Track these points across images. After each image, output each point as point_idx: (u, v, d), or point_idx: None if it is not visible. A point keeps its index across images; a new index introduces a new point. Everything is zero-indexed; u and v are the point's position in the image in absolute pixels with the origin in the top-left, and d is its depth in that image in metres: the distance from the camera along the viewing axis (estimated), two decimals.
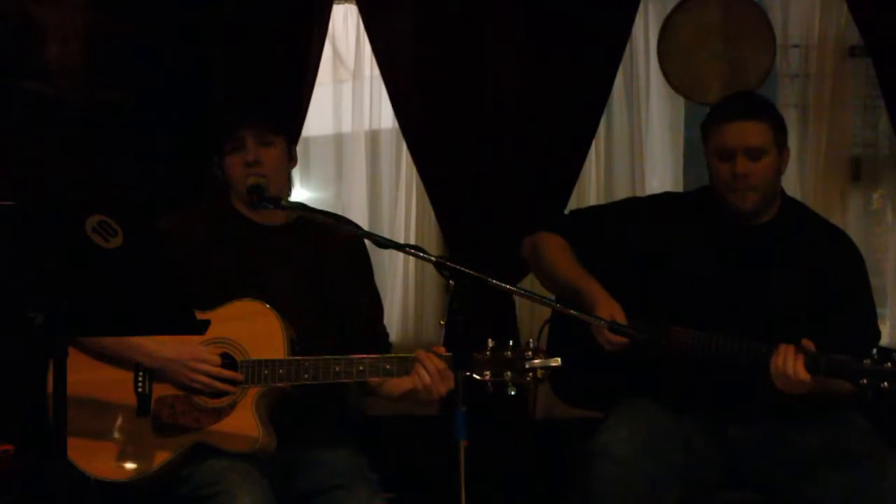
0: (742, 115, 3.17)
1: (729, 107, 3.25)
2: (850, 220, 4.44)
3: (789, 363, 2.94)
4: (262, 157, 3.16)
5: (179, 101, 4.29)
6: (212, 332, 2.97)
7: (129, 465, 3.00)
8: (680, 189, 4.51)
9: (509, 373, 2.86)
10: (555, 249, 3.40)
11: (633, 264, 3.30)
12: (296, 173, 3.37)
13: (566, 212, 4.11)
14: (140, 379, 3.04)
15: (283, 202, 3.08)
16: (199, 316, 2.97)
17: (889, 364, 2.85)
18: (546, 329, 3.40)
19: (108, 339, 3.02)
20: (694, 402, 3.16)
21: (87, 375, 3.01)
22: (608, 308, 3.11)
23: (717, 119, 3.21)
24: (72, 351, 2.78)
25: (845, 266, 3.22)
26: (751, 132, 3.15)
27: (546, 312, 3.48)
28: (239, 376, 3.01)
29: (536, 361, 2.87)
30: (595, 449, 3.09)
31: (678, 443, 3.18)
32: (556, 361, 2.87)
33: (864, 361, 2.87)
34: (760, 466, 3.18)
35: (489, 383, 2.87)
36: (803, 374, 2.93)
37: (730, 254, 3.23)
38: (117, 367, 3.05)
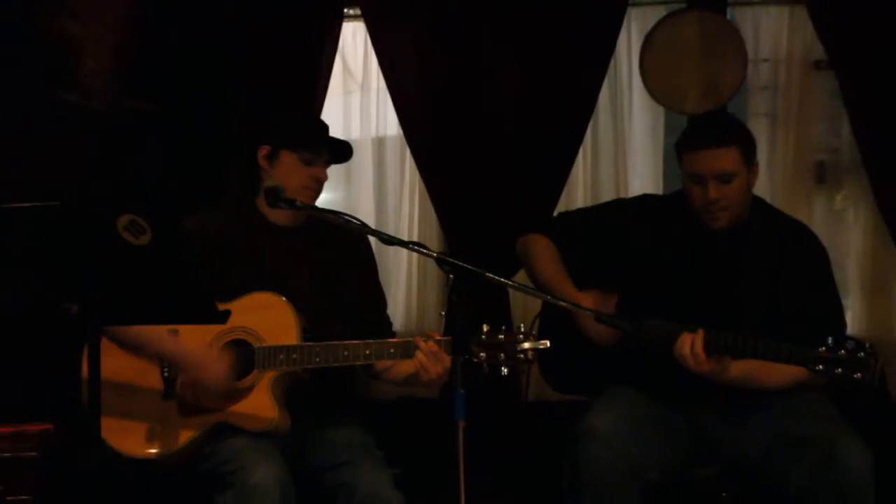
0: (712, 142, 3.11)
1: (699, 133, 3.21)
2: (816, 219, 4.44)
3: (686, 344, 2.91)
4: (325, 178, 3.23)
5: (200, 111, 4.30)
6: (231, 322, 3.02)
7: (157, 444, 3.02)
8: (660, 190, 4.52)
9: (502, 354, 2.86)
10: (539, 250, 3.41)
11: (615, 262, 3.30)
12: None
13: (555, 213, 4.13)
14: (166, 365, 3.05)
15: (298, 203, 3.09)
16: (220, 307, 3.00)
17: (843, 351, 2.79)
18: (537, 322, 3.41)
19: (135, 336, 3.03)
20: (670, 388, 3.16)
21: (118, 361, 3.02)
22: (583, 302, 3.13)
23: (689, 145, 3.17)
24: (104, 340, 2.79)
25: (811, 261, 3.21)
26: (721, 159, 3.10)
27: (538, 306, 3.50)
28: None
29: (527, 344, 2.87)
30: (581, 431, 3.09)
31: (657, 425, 3.18)
32: (545, 343, 2.87)
33: (820, 349, 2.81)
34: (731, 446, 3.18)
35: (484, 364, 2.87)
36: (701, 354, 2.89)
37: (702, 253, 3.22)
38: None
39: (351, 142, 3.36)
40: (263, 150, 3.23)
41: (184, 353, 3.01)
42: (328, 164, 3.26)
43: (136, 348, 3.03)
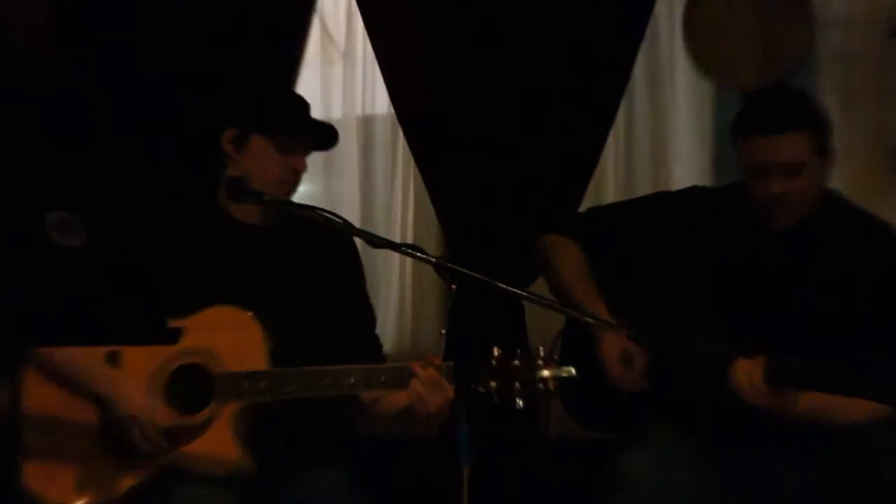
0: (775, 127, 3.10)
1: (760, 115, 3.19)
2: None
3: (742, 372, 2.90)
4: (304, 169, 3.23)
5: (150, 86, 4.29)
6: (185, 342, 3.01)
7: (90, 492, 2.99)
8: (708, 181, 4.51)
9: (517, 383, 2.84)
10: (562, 255, 3.40)
11: (656, 271, 3.29)
12: None
13: (581, 210, 4.11)
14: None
15: (267, 196, 3.08)
16: (172, 323, 3.00)
17: None
18: (560, 343, 3.39)
19: (62, 361, 3.00)
20: (722, 425, 3.15)
21: (42, 389, 2.99)
22: (611, 341, 3.12)
23: (747, 130, 3.15)
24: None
25: (891, 269, 3.19)
26: (786, 147, 3.09)
27: (560, 323, 3.47)
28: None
29: (547, 371, 2.85)
30: (614, 477, 3.09)
31: (705, 469, 3.17)
32: (569, 370, 2.86)
33: None
34: (799, 495, 3.16)
35: (494, 395, 2.85)
36: (760, 384, 2.88)
37: (762, 258, 3.21)
38: None
39: (332, 122, 3.36)
40: (229, 134, 3.22)
41: (116, 395, 2.99)
42: (308, 152, 3.25)
43: (61, 377, 3.01)
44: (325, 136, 3.30)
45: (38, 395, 2.93)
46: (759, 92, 4.18)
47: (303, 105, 3.32)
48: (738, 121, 3.24)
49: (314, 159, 4.68)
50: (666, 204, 3.44)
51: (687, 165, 4.63)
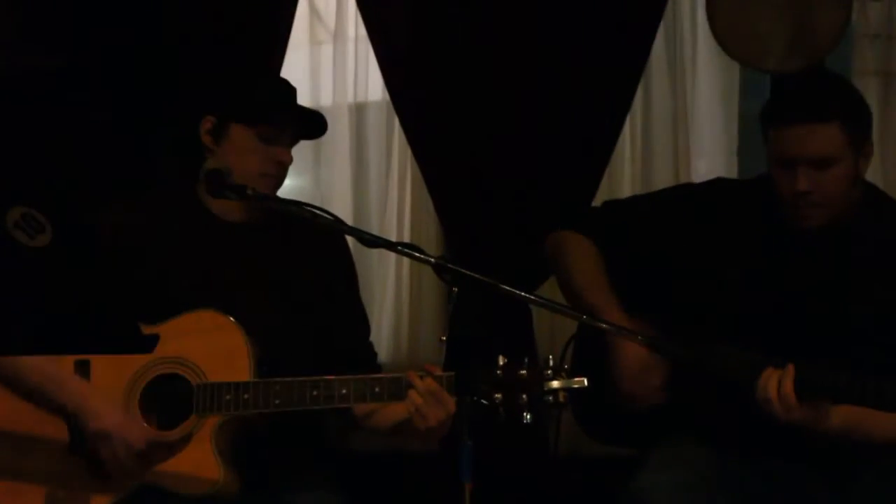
0: (804, 115, 3.08)
1: (788, 102, 3.18)
2: None
3: (772, 383, 2.91)
4: (289, 162, 3.23)
5: (123, 69, 4.29)
6: (162, 350, 3.01)
7: None
8: (734, 174, 4.52)
9: (524, 395, 2.84)
10: (575, 253, 3.40)
11: (676, 271, 3.30)
12: None
13: (595, 204, 4.12)
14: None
15: (249, 191, 3.08)
16: (147, 330, 3.01)
17: None
18: (571, 350, 3.40)
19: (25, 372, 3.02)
20: (747, 439, 3.16)
21: (9, 403, 3.01)
22: (628, 349, 3.13)
23: (774, 118, 3.15)
24: None
25: None
26: (815, 139, 3.07)
27: (571, 329, 3.49)
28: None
29: (557, 382, 2.85)
30: (630, 495, 3.09)
31: (730, 488, 3.18)
32: (581, 381, 2.86)
33: None
34: None
35: (500, 408, 2.85)
36: (791, 396, 2.90)
37: (790, 259, 3.21)
38: None
39: (321, 110, 3.37)
40: (207, 123, 3.23)
41: (87, 410, 3.00)
42: (294, 142, 3.26)
43: (19, 389, 3.03)
44: (312, 124, 3.30)
45: (2, 406, 2.95)
46: (792, 76, 4.19)
47: (288, 90, 3.32)
48: (766, 108, 3.24)
49: (301, 151, 4.69)
50: (688, 198, 3.43)
51: (710, 157, 4.64)
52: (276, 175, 3.22)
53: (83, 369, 3.04)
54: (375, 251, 4.15)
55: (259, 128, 3.19)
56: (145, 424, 3.02)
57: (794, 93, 3.30)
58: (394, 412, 3.04)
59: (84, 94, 4.22)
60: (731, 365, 2.98)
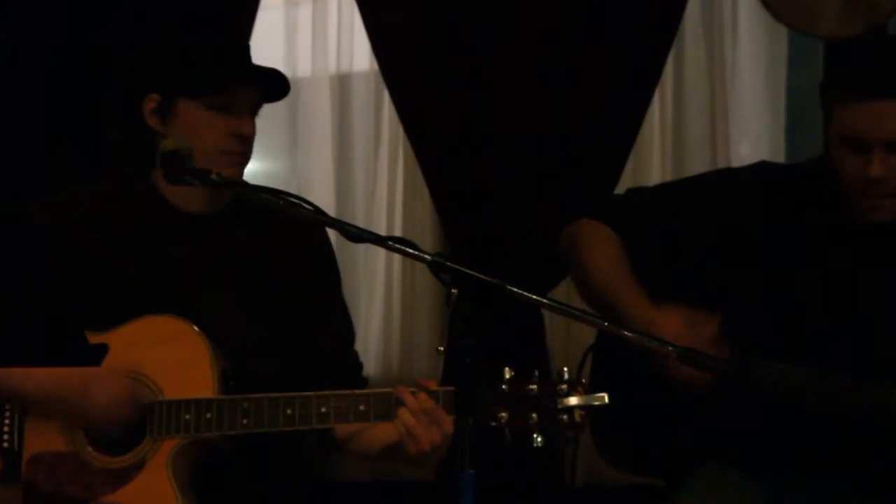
0: (883, 90, 3.07)
1: (862, 73, 3.16)
2: None
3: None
4: (252, 134, 3.21)
5: (69, 37, 4.30)
6: (111, 362, 3.02)
7: None
8: (780, 157, 4.53)
9: (535, 414, 2.83)
10: (595, 246, 3.40)
11: (714, 270, 3.30)
12: None
13: (618, 192, 4.12)
14: (6, 427, 3.05)
15: (213, 176, 3.07)
16: (93, 339, 3.02)
17: None
18: (589, 362, 3.40)
19: None
20: (796, 468, 3.17)
21: None
22: (663, 328, 3.11)
23: (843, 91, 3.13)
24: None
25: None
26: (894, 117, 3.07)
27: (590, 338, 3.48)
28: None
29: (574, 399, 2.84)
30: None
31: None
32: (602, 398, 2.84)
33: None
34: None
35: (506, 430, 2.84)
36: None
37: (851, 258, 3.21)
38: None
39: (299, 81, 3.36)
40: (150, 102, 3.22)
41: (51, 379, 3.00)
42: (254, 109, 3.24)
43: None
44: (270, 85, 3.27)
45: None
46: (865, 42, 4.19)
47: (236, 48, 3.31)
48: (832, 78, 3.25)
49: (275, 130, 4.72)
50: (727, 184, 3.44)
51: (753, 138, 4.65)
52: (238, 151, 3.20)
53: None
54: (361, 247, 4.15)
55: (208, 98, 3.18)
56: (90, 447, 3.02)
57: (870, 62, 3.28)
58: (382, 434, 3.04)
59: (25, 66, 4.22)
60: (779, 381, 2.97)
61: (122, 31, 4.36)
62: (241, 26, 4.37)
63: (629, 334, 2.95)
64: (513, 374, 2.86)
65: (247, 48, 3.30)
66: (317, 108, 4.66)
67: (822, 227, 3.25)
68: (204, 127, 3.17)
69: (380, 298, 4.67)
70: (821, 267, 3.24)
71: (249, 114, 3.21)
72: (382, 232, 4.27)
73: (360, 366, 3.37)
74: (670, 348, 2.95)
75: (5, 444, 3.04)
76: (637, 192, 3.61)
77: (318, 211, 2.98)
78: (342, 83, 4.73)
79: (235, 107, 3.19)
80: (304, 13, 4.71)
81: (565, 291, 4.14)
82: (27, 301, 2.98)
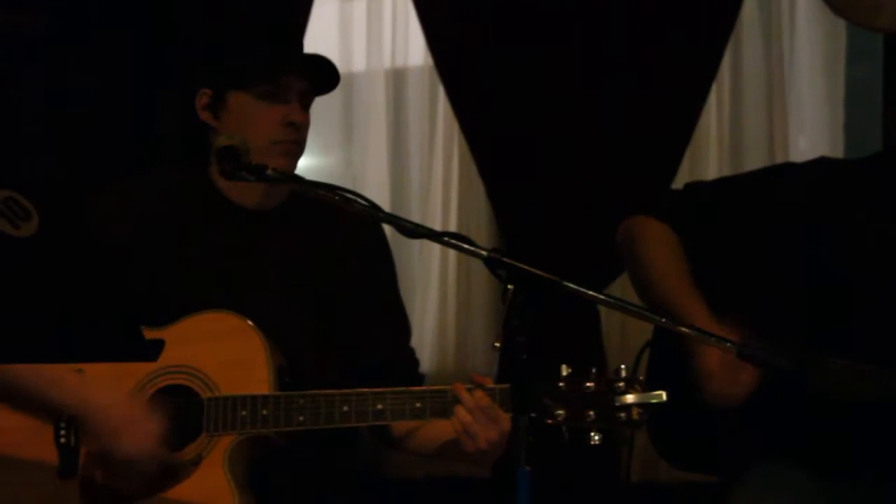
0: None
1: None
2: None
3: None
4: (304, 123, 3.20)
5: (120, 32, 4.31)
6: (167, 358, 3.03)
7: None
8: (840, 154, 4.50)
9: (592, 412, 2.84)
10: (652, 244, 3.40)
11: (775, 267, 3.28)
12: None
13: (675, 187, 4.11)
14: (63, 426, 3.04)
15: (269, 171, 3.06)
16: (149, 335, 3.00)
17: None
18: (646, 356, 3.38)
19: (12, 379, 3.02)
20: (861, 468, 3.16)
21: None
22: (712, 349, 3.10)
23: None
24: None
25: None
26: None
27: (647, 334, 3.47)
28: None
29: (630, 396, 2.84)
30: None
31: None
32: (660, 396, 2.84)
33: None
34: None
35: (563, 428, 2.85)
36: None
37: None
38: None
39: (354, 76, 3.36)
40: (203, 98, 3.23)
41: (92, 405, 3.00)
42: (307, 99, 3.24)
43: (12, 399, 3.03)
44: (320, 74, 3.26)
45: None
46: None
47: (284, 36, 3.32)
48: None
49: (330, 126, 4.73)
50: (787, 180, 3.42)
51: (811, 133, 4.64)
52: (290, 140, 3.19)
53: (78, 376, 3.04)
54: (417, 242, 4.16)
55: (257, 87, 3.18)
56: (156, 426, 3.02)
57: None
58: (438, 431, 3.04)
59: (77, 59, 4.23)
60: (843, 380, 2.96)
61: (179, 26, 4.37)
62: (295, 21, 4.38)
63: (686, 330, 2.94)
64: (570, 371, 2.87)
65: (296, 36, 3.30)
66: (372, 104, 4.67)
67: (886, 224, 3.24)
68: (255, 117, 3.17)
69: (435, 294, 4.67)
70: (884, 263, 3.23)
71: (300, 102, 3.21)
72: (437, 227, 4.26)
73: (416, 363, 3.37)
74: (728, 344, 2.95)
75: (62, 440, 3.04)
76: (694, 187, 3.60)
77: (374, 206, 2.97)
78: (397, 78, 4.74)
79: (285, 95, 3.19)
80: (359, 8, 4.72)
81: (621, 287, 4.12)
82: (83, 296, 2.98)
